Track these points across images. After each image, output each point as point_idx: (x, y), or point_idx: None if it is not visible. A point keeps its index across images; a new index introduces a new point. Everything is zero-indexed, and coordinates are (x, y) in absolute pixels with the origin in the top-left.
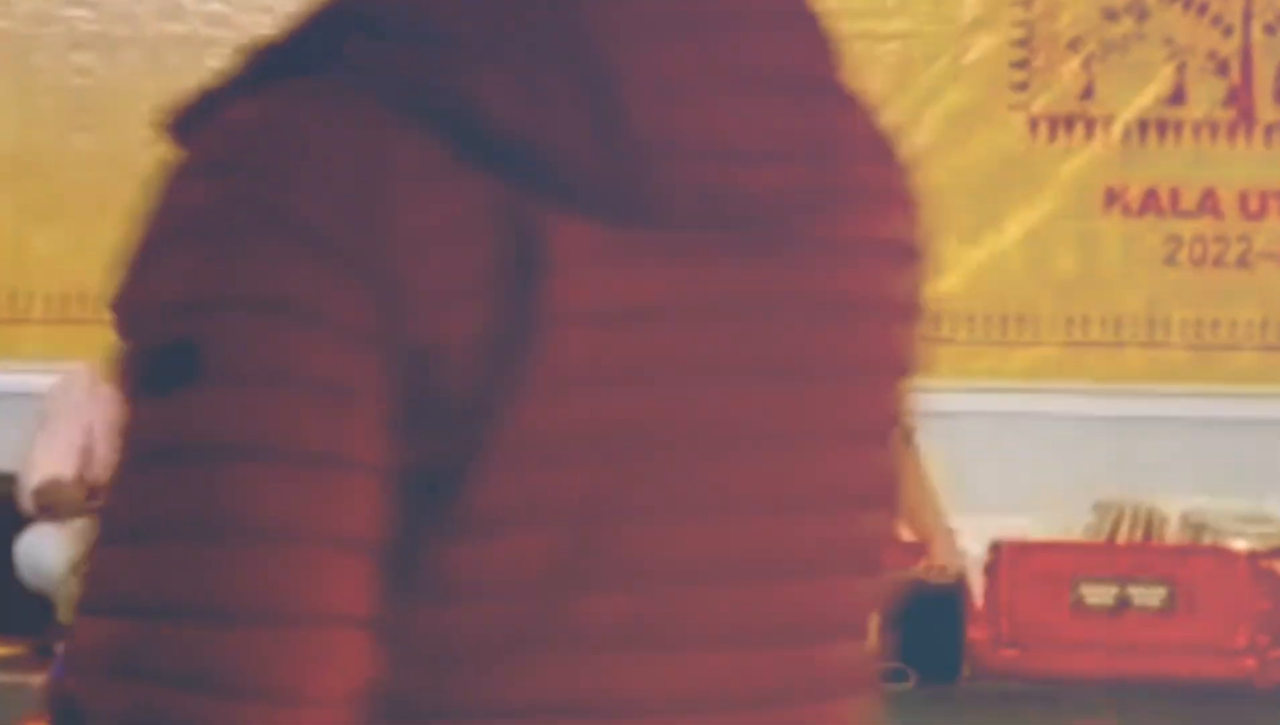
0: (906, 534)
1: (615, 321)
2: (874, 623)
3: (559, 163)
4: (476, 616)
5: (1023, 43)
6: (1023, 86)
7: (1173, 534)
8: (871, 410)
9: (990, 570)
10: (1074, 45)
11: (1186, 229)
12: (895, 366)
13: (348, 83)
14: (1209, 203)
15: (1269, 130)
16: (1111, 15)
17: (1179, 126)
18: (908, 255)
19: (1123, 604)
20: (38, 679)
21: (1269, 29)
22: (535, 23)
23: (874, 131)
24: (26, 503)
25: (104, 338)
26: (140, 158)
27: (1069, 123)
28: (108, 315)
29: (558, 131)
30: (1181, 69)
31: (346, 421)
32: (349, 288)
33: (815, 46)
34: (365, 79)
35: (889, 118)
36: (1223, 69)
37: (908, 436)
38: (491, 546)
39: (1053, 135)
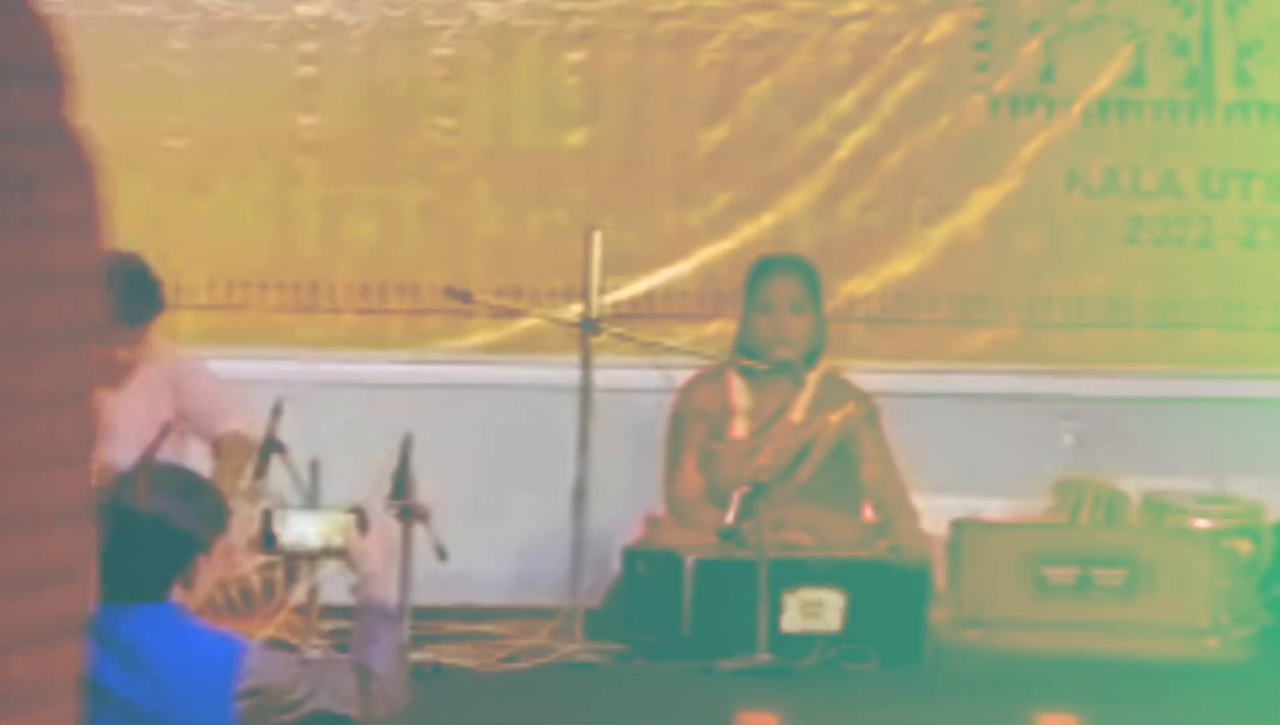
0: (869, 514)
1: None
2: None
3: None
4: None
5: (983, 24)
6: (983, 67)
7: (1135, 514)
8: (69, 374)
9: (952, 551)
10: (1035, 26)
11: (1147, 209)
12: (86, 331)
13: None
14: (1170, 183)
15: (1229, 111)
16: None
17: (1139, 107)
18: (90, 227)
19: (1085, 584)
20: None
21: (1230, 9)
22: None
23: (62, 113)
24: None
25: None
26: (100, 136)
27: (1029, 104)
28: None
29: None
30: (1141, 50)
31: None
32: None
33: (38, 34)
34: None
35: (850, 98)
36: (1183, 50)
37: (871, 417)
38: None
39: (1013, 116)
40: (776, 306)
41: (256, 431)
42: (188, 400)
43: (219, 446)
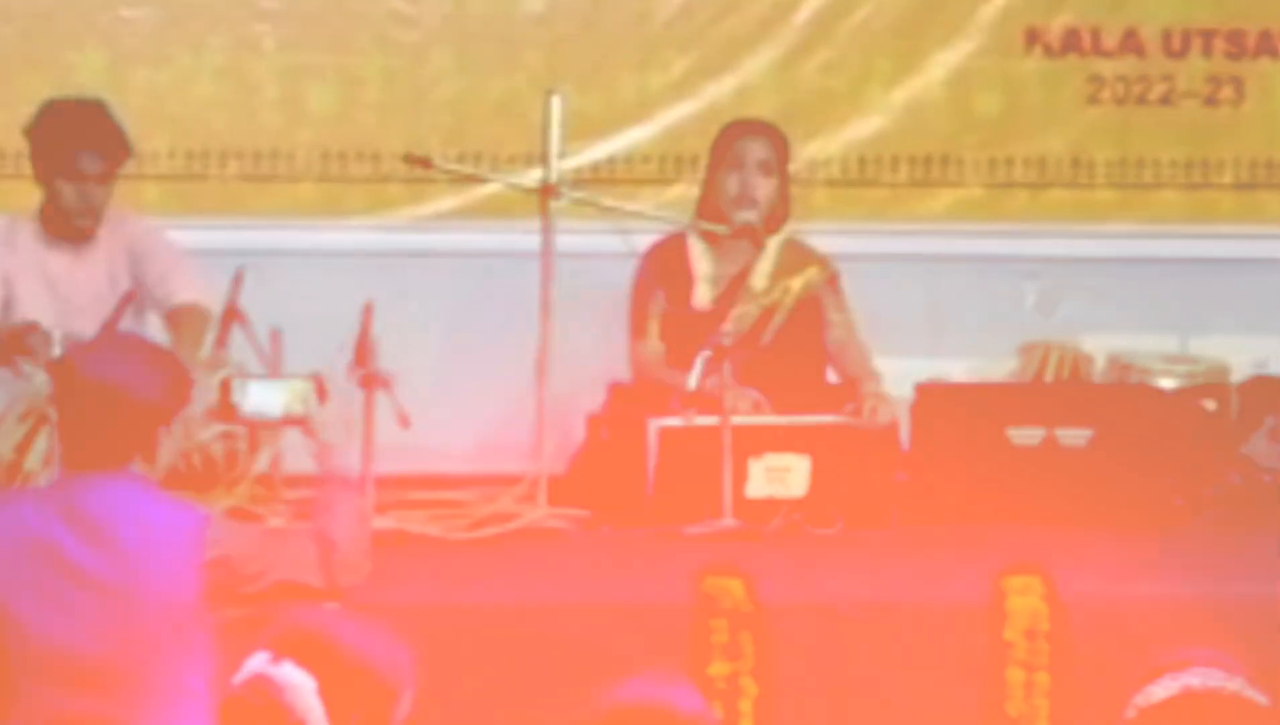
0: (833, 378)
1: None
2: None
3: None
4: None
5: None
6: None
7: (1099, 375)
8: None
9: (915, 413)
10: None
11: (1108, 68)
12: None
13: None
14: (1131, 42)
15: None
16: None
17: None
18: None
19: (1049, 445)
20: None
21: None
22: None
23: None
24: None
25: (21, 191)
26: (59, 9)
27: None
28: (25, 169)
29: None
30: None
31: None
32: None
33: None
34: None
35: None
36: None
37: (833, 281)
38: None
39: None
40: (746, 166)
41: (213, 304)
42: (145, 270)
43: (173, 318)
